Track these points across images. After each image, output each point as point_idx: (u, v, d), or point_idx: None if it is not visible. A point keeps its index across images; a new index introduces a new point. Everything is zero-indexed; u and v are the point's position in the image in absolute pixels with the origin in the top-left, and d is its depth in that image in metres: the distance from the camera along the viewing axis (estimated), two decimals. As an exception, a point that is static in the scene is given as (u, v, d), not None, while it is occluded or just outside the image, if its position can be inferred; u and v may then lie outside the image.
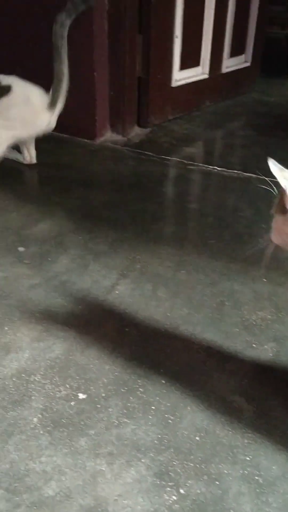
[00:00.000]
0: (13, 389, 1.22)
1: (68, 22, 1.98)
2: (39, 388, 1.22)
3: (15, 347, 1.34)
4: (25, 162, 2.38)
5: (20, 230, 1.85)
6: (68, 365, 1.29)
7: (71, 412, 1.17)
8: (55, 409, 1.17)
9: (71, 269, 1.66)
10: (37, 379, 1.25)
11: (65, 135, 2.68)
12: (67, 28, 1.98)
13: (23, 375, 1.26)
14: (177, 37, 2.67)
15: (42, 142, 2.61)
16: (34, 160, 2.37)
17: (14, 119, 2.07)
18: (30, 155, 2.37)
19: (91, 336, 1.38)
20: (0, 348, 1.33)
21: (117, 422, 1.15)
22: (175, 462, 1.07)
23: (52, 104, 2.12)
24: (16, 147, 2.34)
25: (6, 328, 1.40)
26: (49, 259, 1.70)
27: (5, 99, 2.04)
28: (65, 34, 1.98)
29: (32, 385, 1.23)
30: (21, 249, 1.75)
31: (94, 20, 2.38)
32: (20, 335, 1.38)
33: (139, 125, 2.74)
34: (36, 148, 2.39)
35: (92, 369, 1.28)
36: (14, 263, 1.68)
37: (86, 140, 2.62)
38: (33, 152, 2.37)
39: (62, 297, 1.53)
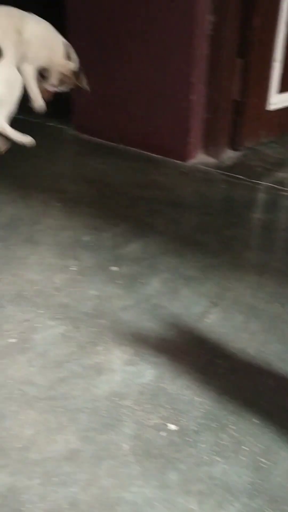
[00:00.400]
0: (104, 411, 1.23)
1: None
2: (130, 414, 1.23)
3: (107, 369, 1.35)
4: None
5: (112, 249, 1.89)
6: (159, 393, 1.28)
7: (161, 442, 1.16)
8: (145, 438, 1.17)
9: (162, 293, 1.66)
10: (128, 404, 1.25)
11: (156, 155, 2.71)
12: None
13: (114, 398, 1.27)
14: (277, 61, 2.63)
15: (132, 160, 2.68)
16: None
17: None
18: None
19: (182, 365, 1.37)
20: (93, 367, 1.36)
21: (208, 459, 1.12)
22: (268, 510, 1.02)
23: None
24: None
25: (99, 349, 1.42)
26: (141, 280, 1.72)
27: None
28: None
29: (123, 410, 1.24)
30: (113, 268, 1.78)
31: (195, 43, 2.40)
32: (112, 356, 1.40)
33: (232, 148, 2.71)
34: (126, 167, 2.44)
35: (182, 400, 1.27)
36: (107, 282, 1.71)
37: (177, 161, 2.63)
38: None
39: (153, 320, 1.53)
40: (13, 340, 1.45)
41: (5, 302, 1.60)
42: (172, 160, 2.65)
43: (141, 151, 2.76)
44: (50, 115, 3.26)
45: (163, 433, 1.18)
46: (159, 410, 1.24)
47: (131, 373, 1.34)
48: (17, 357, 1.39)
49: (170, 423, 1.20)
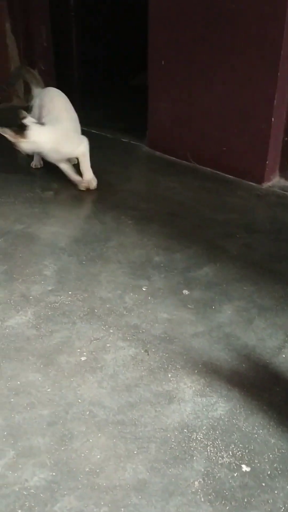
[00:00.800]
0: (174, 443, 1.20)
1: None
2: (201, 449, 1.18)
3: (178, 398, 1.32)
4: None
5: (185, 272, 1.86)
6: (231, 429, 1.23)
7: (233, 484, 1.10)
8: (217, 477, 1.12)
9: (235, 322, 1.61)
10: (199, 438, 1.21)
11: (230, 176, 2.67)
12: None
13: (185, 430, 1.23)
14: None
15: (206, 180, 2.65)
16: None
17: None
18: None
19: (256, 401, 1.31)
20: (163, 395, 1.33)
21: (283, 508, 1.06)
22: None
23: None
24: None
25: (170, 375, 1.39)
26: (213, 307, 1.68)
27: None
28: None
29: (194, 444, 1.20)
30: (185, 292, 1.75)
31: (280, 66, 2.35)
32: (183, 385, 1.36)
33: (310, 172, 2.62)
34: (199, 186, 2.41)
35: (256, 440, 1.21)
36: (178, 306, 1.68)
37: (252, 184, 2.57)
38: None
39: (226, 351, 1.49)
40: (84, 358, 1.45)
41: (77, 318, 1.61)
42: (247, 182, 2.60)
43: (215, 171, 2.72)
44: (125, 131, 3.32)
45: (236, 474, 1.12)
46: (232, 448, 1.18)
47: (202, 405, 1.30)
48: (88, 376, 1.39)
49: (243, 463, 1.15)
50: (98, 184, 2.53)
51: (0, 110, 3.84)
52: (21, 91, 3.92)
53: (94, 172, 2.50)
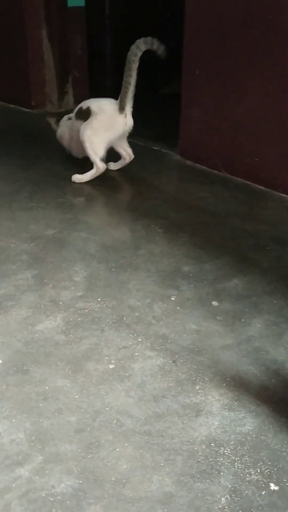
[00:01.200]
0: (201, 457, 1.19)
1: (143, 48, 2.47)
2: (228, 464, 1.17)
3: (206, 411, 1.31)
4: (126, 162, 2.80)
5: (214, 283, 1.85)
6: (260, 446, 1.22)
7: (261, 502, 1.09)
8: (244, 494, 1.10)
9: (265, 336, 1.59)
10: (226, 453, 1.20)
11: (261, 187, 2.65)
12: (140, 52, 2.48)
13: (212, 444, 1.22)
14: None
15: (236, 190, 2.64)
16: (132, 155, 2.81)
17: (97, 127, 2.61)
18: (127, 153, 2.81)
19: (285, 418, 1.29)
20: (190, 407, 1.32)
21: (312, 530, 1.03)
22: None
23: (121, 109, 2.61)
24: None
25: (198, 387, 1.38)
26: (242, 319, 1.66)
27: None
28: (139, 54, 2.48)
29: (221, 459, 1.18)
30: (214, 303, 1.74)
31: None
32: (211, 398, 1.35)
33: None
34: (230, 196, 2.40)
35: (285, 458, 1.19)
36: (207, 317, 1.67)
37: (284, 195, 2.55)
38: (129, 150, 2.81)
39: (255, 365, 1.47)
40: (112, 366, 1.45)
41: (106, 326, 1.62)
42: (279, 193, 2.57)
43: (247, 181, 2.71)
44: (156, 139, 3.34)
45: (263, 492, 1.11)
46: (260, 466, 1.17)
47: (230, 420, 1.28)
48: (115, 385, 1.39)
49: (271, 481, 1.13)
50: (128, 191, 2.55)
51: (34, 115, 3.91)
52: (54, 97, 3.99)
53: (125, 180, 2.52)
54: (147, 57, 4.16)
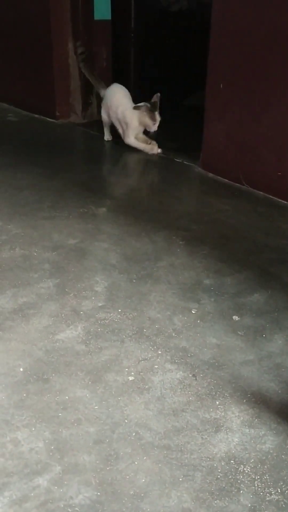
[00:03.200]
0: (221, 474, 1.18)
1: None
2: (248, 483, 1.15)
3: (225, 427, 1.30)
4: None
5: (235, 297, 1.84)
6: (280, 465, 1.20)
7: (281, 523, 1.07)
8: (264, 514, 1.09)
9: (286, 352, 1.57)
10: (246, 471, 1.18)
11: (284, 201, 2.64)
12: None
13: (231, 461, 1.21)
14: None
15: (258, 204, 2.63)
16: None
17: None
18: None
19: (307, 438, 1.27)
20: (210, 422, 1.31)
21: None
22: None
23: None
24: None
25: (217, 403, 1.37)
26: (264, 335, 1.65)
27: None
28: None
29: (241, 477, 1.17)
30: (235, 318, 1.73)
31: None
32: (231, 414, 1.34)
33: None
34: (252, 210, 2.38)
35: (306, 478, 1.17)
36: (228, 332, 1.66)
37: (306, 210, 2.53)
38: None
39: (276, 382, 1.45)
40: (132, 378, 1.45)
41: (126, 337, 1.62)
42: (301, 208, 2.56)
43: (269, 195, 2.70)
44: (178, 151, 3.36)
45: (284, 513, 1.09)
46: (280, 486, 1.15)
47: (250, 437, 1.27)
48: (135, 397, 1.39)
49: (291, 502, 1.11)
50: (150, 203, 2.56)
51: (58, 126, 3.97)
52: (78, 108, 4.04)
53: (147, 191, 2.52)
54: (171, 70, 4.20)
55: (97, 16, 3.79)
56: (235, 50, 2.68)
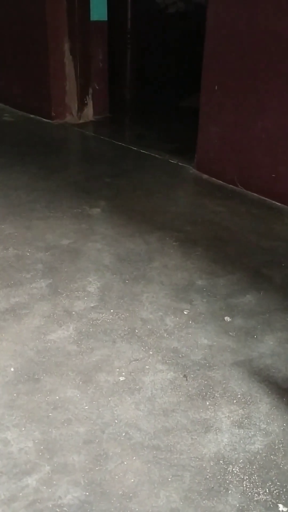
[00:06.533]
0: (210, 474, 1.18)
1: None
2: (237, 483, 1.16)
3: (215, 428, 1.30)
4: None
5: (227, 298, 1.85)
6: (269, 465, 1.20)
7: (269, 523, 1.07)
8: (252, 514, 1.09)
9: (277, 353, 1.58)
10: (235, 471, 1.19)
11: (278, 203, 2.64)
12: None
13: (221, 461, 1.21)
14: None
15: (252, 206, 2.63)
16: None
17: None
18: None
19: (296, 438, 1.27)
20: (200, 423, 1.31)
21: None
22: None
23: None
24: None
25: (208, 403, 1.38)
26: (255, 336, 1.65)
27: None
28: None
29: (229, 477, 1.17)
30: (227, 318, 1.73)
31: None
32: (220, 414, 1.34)
33: None
34: (246, 212, 2.39)
35: (295, 479, 1.17)
36: (219, 333, 1.66)
37: (300, 212, 2.54)
38: None
39: (266, 383, 1.46)
40: (122, 379, 1.45)
41: (117, 337, 1.62)
42: (294, 210, 2.57)
43: (263, 197, 2.71)
44: (173, 152, 3.36)
45: (272, 513, 1.09)
46: (268, 486, 1.15)
47: (239, 437, 1.27)
48: (125, 397, 1.39)
49: (280, 502, 1.12)
50: (144, 204, 2.57)
51: (54, 126, 3.97)
52: (74, 109, 4.04)
53: (141, 192, 2.53)
54: (167, 71, 4.23)
55: (94, 17, 3.79)
56: (230, 52, 2.69)
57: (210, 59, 2.80)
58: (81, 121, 4.07)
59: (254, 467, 1.20)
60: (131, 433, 1.28)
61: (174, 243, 2.23)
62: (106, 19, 3.88)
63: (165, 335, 1.65)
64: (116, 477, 1.17)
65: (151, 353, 1.56)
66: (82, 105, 4.06)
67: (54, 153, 3.38)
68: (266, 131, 2.62)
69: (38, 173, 2.95)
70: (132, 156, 3.35)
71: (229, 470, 1.19)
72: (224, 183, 2.89)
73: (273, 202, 2.67)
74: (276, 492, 1.14)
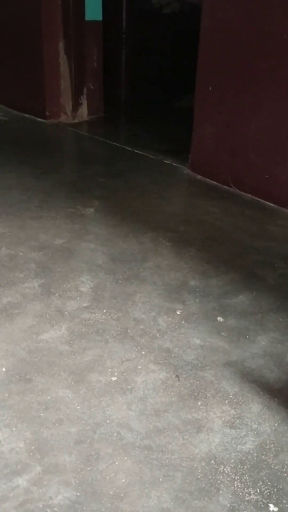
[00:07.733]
0: (201, 474, 1.18)
1: None
2: (228, 483, 1.16)
3: (206, 428, 1.30)
4: None
5: (220, 298, 1.85)
6: (260, 465, 1.20)
7: (260, 523, 1.07)
8: (243, 514, 1.09)
9: (269, 354, 1.58)
10: (226, 471, 1.19)
11: (271, 204, 2.65)
12: None
13: (212, 462, 1.21)
14: None
15: (246, 206, 2.64)
16: None
17: None
18: None
19: (287, 439, 1.28)
20: (192, 423, 1.31)
21: None
22: None
23: None
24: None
25: (199, 403, 1.38)
26: (247, 336, 1.65)
27: None
28: None
29: (221, 477, 1.17)
30: (220, 319, 1.73)
31: None
32: (212, 414, 1.34)
33: None
34: (239, 212, 2.39)
35: (286, 479, 1.17)
36: (212, 333, 1.66)
37: (293, 213, 2.55)
38: None
39: (258, 383, 1.46)
40: (115, 379, 1.45)
41: (110, 337, 1.62)
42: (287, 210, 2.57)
43: (256, 198, 2.71)
44: (168, 153, 3.36)
45: (262, 513, 1.09)
46: (259, 486, 1.15)
47: (231, 437, 1.28)
48: (117, 397, 1.39)
49: (270, 502, 1.12)
50: (138, 204, 2.56)
51: (48, 126, 3.96)
52: (69, 109, 4.04)
53: (135, 192, 2.53)
54: (162, 72, 4.23)
55: (88, 16, 3.79)
56: (224, 53, 2.70)
57: (204, 60, 2.80)
58: (76, 121, 4.06)
59: (245, 467, 1.20)
60: (122, 433, 1.28)
61: (167, 243, 2.23)
62: (101, 19, 3.87)
63: (157, 335, 1.64)
64: (107, 477, 1.16)
65: (143, 353, 1.56)
66: (76, 105, 4.05)
67: (48, 153, 3.37)
68: (260, 132, 2.63)
69: (31, 173, 2.94)
70: (127, 156, 3.34)
71: (220, 470, 1.19)
72: (218, 184, 2.90)
73: (266, 202, 2.68)
74: (267, 492, 1.14)
